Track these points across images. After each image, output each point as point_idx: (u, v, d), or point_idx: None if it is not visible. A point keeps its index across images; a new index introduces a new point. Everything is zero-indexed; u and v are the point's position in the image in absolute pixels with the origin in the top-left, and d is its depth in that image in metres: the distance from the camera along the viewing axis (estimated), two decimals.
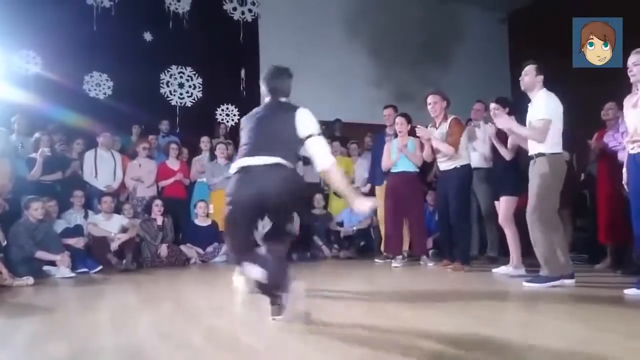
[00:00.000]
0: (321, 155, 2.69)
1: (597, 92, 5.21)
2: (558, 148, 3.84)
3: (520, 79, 4.02)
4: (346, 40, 9.40)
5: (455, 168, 5.02)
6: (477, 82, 9.29)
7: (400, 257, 5.56)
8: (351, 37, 9.40)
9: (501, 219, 4.55)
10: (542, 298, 3.37)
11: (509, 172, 4.51)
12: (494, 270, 4.54)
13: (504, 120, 4.09)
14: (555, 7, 8.93)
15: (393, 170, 5.59)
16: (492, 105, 4.44)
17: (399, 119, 5.55)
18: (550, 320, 2.67)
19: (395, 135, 5.69)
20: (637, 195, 3.37)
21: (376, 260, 5.92)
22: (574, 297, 3.40)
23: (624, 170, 3.54)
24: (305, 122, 2.72)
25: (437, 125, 5.18)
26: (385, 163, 5.70)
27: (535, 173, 3.84)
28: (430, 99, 5.19)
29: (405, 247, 5.75)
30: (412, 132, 5.55)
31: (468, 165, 5.10)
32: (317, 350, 2.16)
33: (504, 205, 4.53)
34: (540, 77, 3.93)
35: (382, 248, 5.83)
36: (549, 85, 3.97)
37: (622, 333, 2.33)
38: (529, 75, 3.94)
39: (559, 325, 2.52)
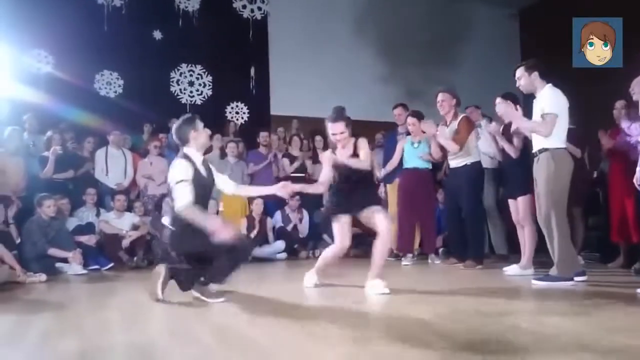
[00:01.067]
0: (178, 200, 3.18)
1: (609, 89, 5.13)
2: (562, 143, 3.76)
3: (517, 85, 3.96)
4: (355, 38, 9.39)
5: (466, 165, 4.99)
6: (487, 80, 9.13)
7: (411, 255, 5.53)
8: (360, 35, 9.38)
9: (522, 218, 4.48)
10: (553, 296, 3.35)
11: (522, 170, 4.39)
12: (504, 269, 4.50)
13: (510, 113, 4.02)
14: (566, 2, 8.79)
15: (405, 167, 5.55)
16: (498, 100, 4.36)
17: (410, 119, 5.45)
18: (561, 318, 2.64)
19: (408, 134, 5.65)
20: None
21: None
22: (586, 296, 3.36)
23: (638, 168, 3.48)
24: (172, 171, 3.25)
25: (447, 124, 5.14)
26: (392, 162, 5.64)
27: (541, 171, 3.75)
28: (439, 97, 5.16)
29: (416, 245, 5.72)
30: None
31: (479, 163, 5.06)
32: (327, 347, 2.16)
33: (523, 205, 4.45)
34: (535, 74, 3.82)
35: (391, 246, 5.79)
36: (558, 80, 3.87)
37: (634, 332, 2.31)
38: (523, 78, 3.86)
39: (569, 323, 2.50)
